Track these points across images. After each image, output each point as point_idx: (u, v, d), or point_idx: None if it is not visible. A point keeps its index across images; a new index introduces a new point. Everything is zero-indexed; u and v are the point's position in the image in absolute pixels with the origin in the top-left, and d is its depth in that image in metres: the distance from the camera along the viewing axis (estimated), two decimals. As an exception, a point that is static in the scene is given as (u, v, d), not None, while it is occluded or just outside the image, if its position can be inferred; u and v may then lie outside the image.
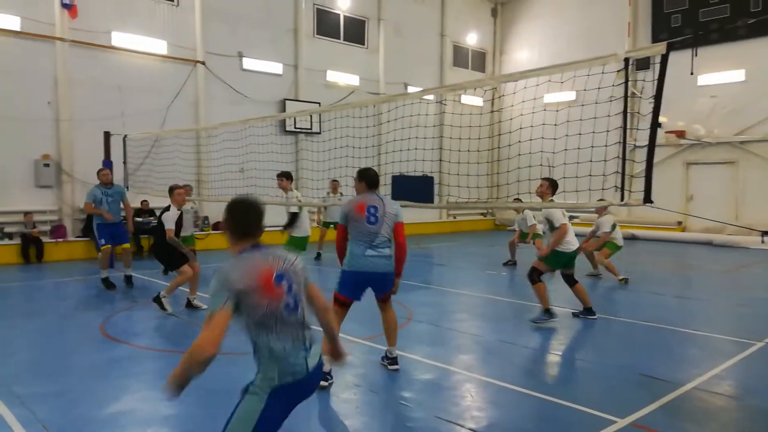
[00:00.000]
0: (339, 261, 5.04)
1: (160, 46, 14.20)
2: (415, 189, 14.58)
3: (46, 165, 12.62)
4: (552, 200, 6.55)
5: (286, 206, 9.01)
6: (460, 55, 21.91)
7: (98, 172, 9.55)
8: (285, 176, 9.20)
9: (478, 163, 7.75)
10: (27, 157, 12.47)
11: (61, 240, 12.68)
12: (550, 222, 6.71)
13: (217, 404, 4.44)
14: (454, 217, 21.52)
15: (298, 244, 8.92)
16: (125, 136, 11.95)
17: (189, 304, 7.73)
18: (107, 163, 11.54)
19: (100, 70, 13.27)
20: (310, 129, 16.92)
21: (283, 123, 16.40)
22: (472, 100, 20.75)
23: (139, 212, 13.48)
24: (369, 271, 4.85)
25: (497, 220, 22.46)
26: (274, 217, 12.82)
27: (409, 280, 10.47)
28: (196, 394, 4.64)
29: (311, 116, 16.70)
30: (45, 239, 12.43)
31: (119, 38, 13.53)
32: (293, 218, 8.98)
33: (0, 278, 10.26)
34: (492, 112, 20.39)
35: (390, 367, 5.16)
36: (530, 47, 21.91)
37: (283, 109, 16.19)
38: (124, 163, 12.03)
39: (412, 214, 14.67)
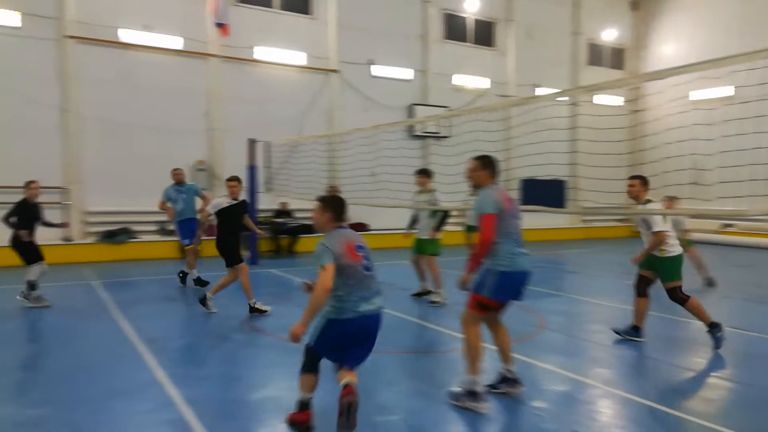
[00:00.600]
0: (475, 262, 4.34)
1: (299, 58, 15.13)
2: (546, 193, 14.08)
3: (201, 170, 13.97)
4: (649, 200, 5.99)
5: (421, 208, 8.46)
6: (595, 53, 20.83)
7: (172, 171, 9.96)
8: (423, 173, 8.67)
9: (617, 167, 7.33)
10: (185, 163, 13.87)
11: (213, 237, 13.89)
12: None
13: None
14: (587, 223, 20.49)
15: (427, 247, 8.38)
16: (267, 142, 12.87)
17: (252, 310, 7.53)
18: (252, 168, 12.50)
19: (247, 82, 14.45)
20: (438, 133, 17.03)
21: (411, 128, 16.69)
22: (608, 100, 19.66)
23: (278, 213, 14.46)
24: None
25: (635, 227, 20.95)
26: (396, 221, 13.16)
27: (539, 287, 10.15)
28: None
29: (439, 121, 16.81)
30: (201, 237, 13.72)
31: (264, 52, 14.62)
32: (443, 219, 8.38)
33: (163, 270, 11.50)
34: (633, 112, 19.11)
35: (515, 390, 4.62)
36: (677, 40, 20.22)
37: (412, 114, 16.46)
38: (266, 167, 12.96)
39: (541, 220, 14.30)
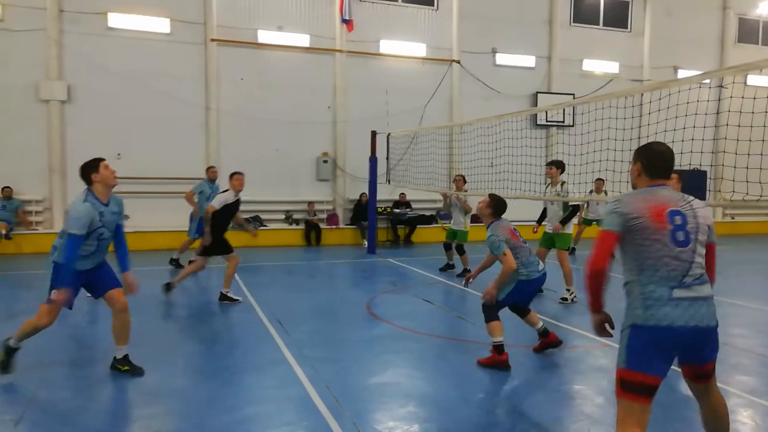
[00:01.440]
0: (590, 299, 3.01)
1: (420, 49, 15.21)
2: (684, 185, 12.94)
3: (325, 161, 14.59)
4: None
5: (552, 200, 8.17)
6: (747, 29, 18.68)
7: (208, 169, 10.35)
8: (555, 165, 8.28)
9: (772, 155, 6.53)
10: (311, 155, 14.59)
11: (334, 227, 14.54)
12: None
13: (471, 389, 4.64)
14: (732, 218, 18.57)
15: (556, 242, 8.11)
16: (388, 134, 13.12)
17: (224, 297, 7.59)
18: (373, 160, 12.82)
19: (369, 75, 14.81)
20: (563, 122, 16.30)
21: (534, 116, 16.14)
22: (763, 81, 17.55)
23: (397, 204, 14.71)
24: (682, 326, 2.75)
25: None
26: (523, 213, 12.80)
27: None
28: (452, 378, 4.92)
29: (564, 109, 16.08)
30: (322, 225, 14.41)
31: (386, 45, 14.89)
32: (573, 212, 8.06)
33: (289, 257, 12.22)
34: (790, 93, 16.95)
35: None
36: None
37: (535, 103, 15.91)
38: (387, 158, 13.21)
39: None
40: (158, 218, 13.06)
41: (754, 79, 17.42)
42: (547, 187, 8.43)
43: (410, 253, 12.99)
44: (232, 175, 7.61)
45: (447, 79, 15.54)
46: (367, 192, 13.30)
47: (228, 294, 7.63)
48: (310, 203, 14.30)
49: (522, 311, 5.56)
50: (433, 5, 15.43)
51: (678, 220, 2.81)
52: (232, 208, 7.57)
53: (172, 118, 13.30)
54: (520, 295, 5.34)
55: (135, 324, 4.95)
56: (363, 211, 13.80)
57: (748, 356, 5.60)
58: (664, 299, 2.76)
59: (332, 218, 14.74)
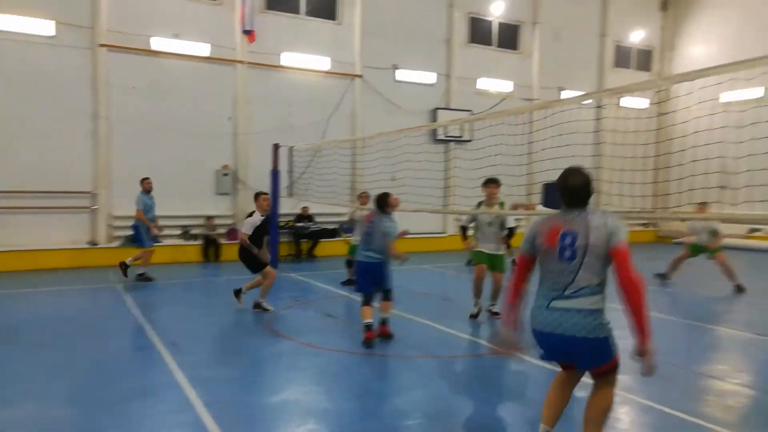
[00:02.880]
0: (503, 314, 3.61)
1: (324, 63, 15.23)
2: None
3: (225, 174, 14.16)
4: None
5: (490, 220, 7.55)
6: (622, 55, 20.50)
7: (142, 181, 10.49)
8: (496, 183, 7.58)
9: (643, 170, 7.19)
10: (210, 167, 14.10)
11: (235, 242, 14.10)
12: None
13: (370, 402, 4.64)
14: (613, 228, 20.12)
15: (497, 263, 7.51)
16: (291, 147, 12.99)
17: (257, 306, 8.05)
18: (275, 173, 12.63)
19: (272, 87, 14.60)
20: (461, 137, 16.96)
21: (434, 132, 16.65)
22: (635, 102, 19.33)
23: (299, 217, 14.56)
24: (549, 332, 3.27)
25: (661, 231, 20.56)
26: (424, 225, 13.04)
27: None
28: (351, 392, 4.91)
29: (462, 125, 16.74)
30: (222, 241, 13.93)
31: (289, 58, 14.77)
32: (511, 234, 7.88)
33: (186, 274, 11.69)
34: (659, 115, 18.75)
35: None
36: (706, 42, 19.78)
37: (435, 118, 16.43)
38: (289, 171, 13.07)
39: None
40: (44, 236, 12.08)
41: (627, 101, 19.13)
42: (479, 205, 7.69)
43: (313, 267, 12.89)
44: (257, 196, 8.21)
45: (350, 94, 15.68)
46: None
47: (263, 304, 8.05)
48: (209, 218, 13.80)
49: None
50: (336, 19, 15.54)
51: (568, 239, 3.20)
52: (262, 229, 8.19)
53: (57, 127, 12.36)
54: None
55: (2, 354, 4.50)
56: (265, 225, 13.47)
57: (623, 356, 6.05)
58: (543, 308, 3.27)
59: (233, 233, 14.30)
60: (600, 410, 3.40)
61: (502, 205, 7.60)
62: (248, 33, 13.99)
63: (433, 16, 16.77)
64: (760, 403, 4.82)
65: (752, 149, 5.83)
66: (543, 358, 3.47)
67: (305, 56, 14.96)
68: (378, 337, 6.36)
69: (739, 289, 9.64)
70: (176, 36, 13.46)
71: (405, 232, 6.96)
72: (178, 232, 13.72)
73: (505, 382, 5.29)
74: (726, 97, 15.64)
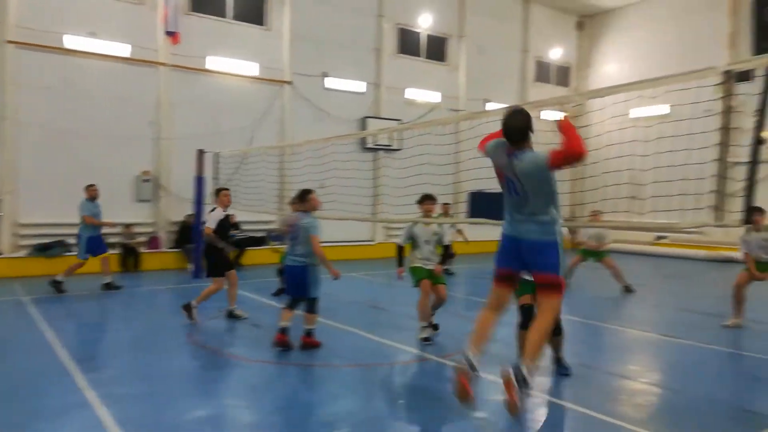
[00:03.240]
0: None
1: (252, 69, 14.96)
2: (493, 206, 14.32)
3: (146, 181, 13.56)
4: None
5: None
6: (542, 71, 21.47)
7: (87, 188, 10.31)
8: (430, 198, 7.21)
9: (561, 181, 7.49)
10: (129, 173, 13.46)
11: (156, 250, 13.54)
12: None
13: (295, 414, 4.56)
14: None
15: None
16: (217, 153, 12.62)
17: (231, 314, 7.96)
18: (199, 179, 12.24)
19: (196, 91, 14.16)
20: (390, 146, 17.13)
21: (363, 140, 16.72)
22: (554, 116, 20.22)
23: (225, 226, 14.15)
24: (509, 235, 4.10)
25: (574, 239, 21.63)
26: (352, 233, 12.98)
27: (482, 297, 10.27)
28: (275, 404, 4.80)
29: (391, 134, 16.92)
30: (142, 250, 13.32)
31: (214, 62, 14.39)
32: (448, 253, 7.59)
33: (96, 285, 11.04)
34: (577, 128, 19.74)
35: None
36: (618, 60, 21.10)
37: (364, 127, 16.51)
38: (215, 178, 12.68)
39: (490, 231, 14.47)
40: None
41: (547, 115, 20.01)
42: (415, 224, 7.25)
43: (240, 276, 12.47)
44: (218, 192, 8.30)
45: (279, 100, 15.48)
46: (193, 213, 12.63)
47: (236, 311, 7.97)
48: (128, 225, 13.14)
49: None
50: (264, 25, 15.32)
51: (510, 182, 3.96)
52: (226, 225, 8.17)
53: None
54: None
55: None
56: (189, 234, 13.05)
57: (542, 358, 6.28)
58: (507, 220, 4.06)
59: (154, 241, 13.72)
60: (540, 330, 3.79)
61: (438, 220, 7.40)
62: (171, 34, 13.53)
63: (363, 26, 16.89)
64: (668, 401, 5.13)
65: (657, 162, 6.22)
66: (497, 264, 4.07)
67: (232, 61, 14.64)
68: (301, 347, 6.25)
69: (627, 290, 10.34)
70: (92, 35, 12.80)
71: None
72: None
73: (433, 389, 5.34)
74: (635, 113, 16.70)
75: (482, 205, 13.07)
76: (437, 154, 10.63)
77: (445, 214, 12.56)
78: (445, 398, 5.03)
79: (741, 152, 4.68)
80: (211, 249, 7.95)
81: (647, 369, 6.02)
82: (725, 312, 8.18)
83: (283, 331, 6.22)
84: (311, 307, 6.44)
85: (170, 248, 13.87)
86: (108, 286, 10.29)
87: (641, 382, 5.50)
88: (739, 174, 4.65)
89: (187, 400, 4.83)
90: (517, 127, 3.87)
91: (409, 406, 4.88)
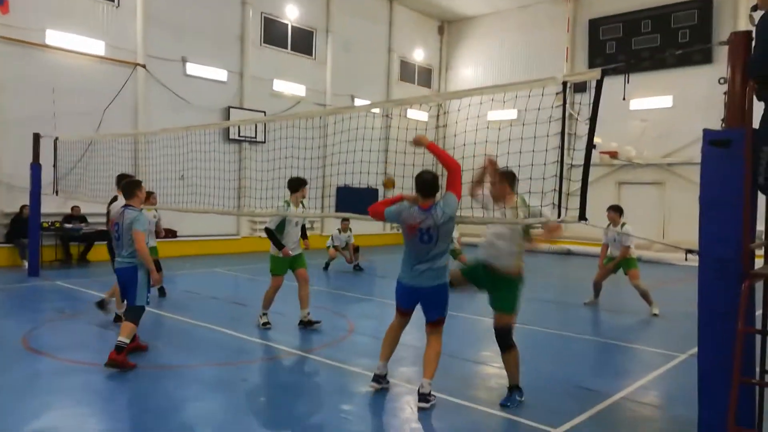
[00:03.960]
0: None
1: (97, 47, 13.67)
2: (360, 201, 14.54)
3: (-31, 166, 11.85)
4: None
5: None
6: (407, 70, 22.22)
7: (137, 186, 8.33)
8: (304, 182, 7.51)
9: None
10: (-54, 157, 11.69)
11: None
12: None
13: (150, 419, 4.28)
14: (398, 230, 21.64)
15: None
16: (56, 138, 11.39)
17: (118, 318, 6.91)
18: (36, 167, 10.98)
19: (32, 69, 12.63)
20: (255, 138, 16.68)
21: (227, 131, 16.10)
22: (418, 115, 21.06)
23: (69, 218, 12.87)
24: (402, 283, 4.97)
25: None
26: (214, 227, 12.44)
27: (350, 292, 10.46)
28: (127, 411, 4.46)
29: (256, 125, 16.48)
30: (-36, 245, 11.65)
31: (54, 36, 12.93)
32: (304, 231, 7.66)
33: None
34: (437, 127, 20.75)
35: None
36: (475, 65, 22.50)
37: (227, 117, 15.90)
38: (54, 166, 11.43)
39: (356, 226, 14.69)
40: None
41: (412, 114, 20.79)
42: (288, 205, 7.31)
43: (86, 273, 11.48)
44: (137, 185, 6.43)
45: (131, 84, 14.33)
46: (28, 204, 11.29)
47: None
48: (-55, 218, 11.42)
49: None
50: (113, 1, 14.07)
51: (424, 230, 4.66)
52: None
53: None
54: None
55: None
56: (23, 227, 11.64)
57: (407, 350, 6.53)
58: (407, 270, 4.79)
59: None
60: (435, 353, 4.77)
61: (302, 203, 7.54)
62: (1, 3, 11.93)
63: (226, 12, 16.22)
64: (524, 385, 5.58)
65: (507, 162, 6.71)
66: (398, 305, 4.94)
67: (75, 37, 13.27)
68: (106, 365, 5.29)
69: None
70: None
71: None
72: None
73: (296, 384, 5.30)
74: (491, 115, 17.94)
75: (350, 200, 13.27)
76: (304, 147, 10.55)
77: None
78: (309, 392, 5.03)
79: (577, 155, 5.22)
80: None
81: (497, 354, 6.51)
82: (567, 300, 9.09)
83: (117, 348, 5.35)
84: (131, 316, 5.51)
85: (1, 243, 12.29)
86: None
87: (493, 367, 5.94)
88: (576, 175, 5.19)
89: (21, 412, 4.31)
90: (430, 181, 4.71)
91: (271, 402, 4.80)
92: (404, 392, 5.02)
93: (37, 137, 11.14)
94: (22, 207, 11.95)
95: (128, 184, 5.85)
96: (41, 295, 8.79)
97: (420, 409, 4.52)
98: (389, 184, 6.08)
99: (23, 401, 4.57)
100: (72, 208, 12.84)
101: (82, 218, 12.97)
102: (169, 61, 14.99)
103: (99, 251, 13.17)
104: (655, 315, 8.65)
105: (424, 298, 4.78)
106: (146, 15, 14.42)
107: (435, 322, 4.82)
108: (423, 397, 4.59)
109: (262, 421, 4.41)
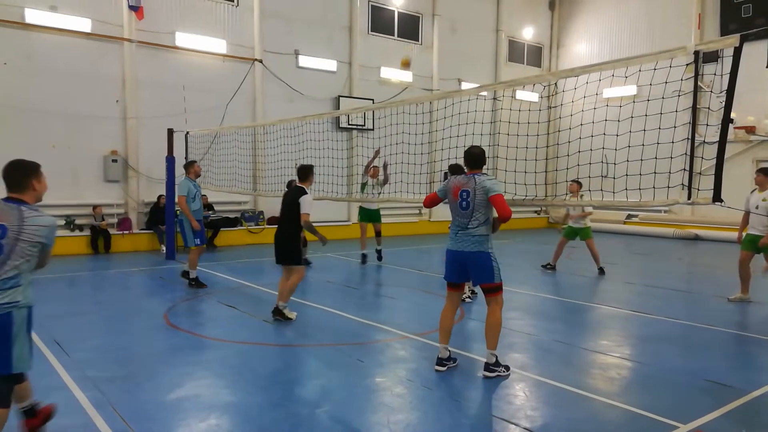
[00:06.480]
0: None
1: (220, 46, 14.64)
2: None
3: (114, 161, 13.25)
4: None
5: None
6: (515, 50, 21.53)
7: (191, 164, 9.13)
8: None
9: (535, 160, 7.59)
10: (96, 153, 13.13)
11: (127, 232, 13.30)
12: None
13: (276, 393, 4.58)
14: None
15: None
16: (187, 132, 12.39)
17: (278, 312, 6.79)
18: (170, 159, 12.00)
19: (164, 69, 13.82)
20: (364, 125, 17.04)
21: (337, 119, 16.60)
22: (528, 96, 20.36)
23: (199, 206, 13.96)
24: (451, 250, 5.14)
25: (551, 218, 22.02)
26: (328, 214, 12.83)
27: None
28: (256, 384, 4.81)
29: (365, 113, 16.81)
30: (112, 231, 13.07)
31: (182, 38, 14.03)
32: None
33: (71, 268, 10.84)
34: (549, 108, 19.93)
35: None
36: (589, 41, 21.29)
37: (338, 106, 16.37)
38: (186, 158, 12.45)
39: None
40: None
41: (521, 95, 20.13)
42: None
43: (214, 257, 12.43)
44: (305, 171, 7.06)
45: (249, 78, 15.21)
46: (164, 194, 12.41)
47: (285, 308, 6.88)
48: (96, 207, 12.85)
49: None
50: (233, 1, 14.96)
51: (464, 195, 4.97)
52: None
53: None
54: None
55: None
56: (160, 215, 12.84)
57: (520, 336, 6.42)
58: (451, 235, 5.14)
59: (124, 223, 13.45)
60: (490, 324, 4.97)
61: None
62: (135, 9, 13.13)
63: (335, 3, 16.65)
64: (638, 373, 5.31)
65: (629, 142, 6.32)
66: (446, 276, 5.21)
67: (200, 38, 14.30)
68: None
69: (601, 272, 10.47)
70: (53, 9, 12.34)
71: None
72: (62, 222, 12.68)
73: (411, 365, 5.41)
74: (608, 93, 16.92)
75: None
76: (411, 133, 10.62)
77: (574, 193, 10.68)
78: (421, 375, 5.10)
79: (710, 131, 4.79)
80: (292, 236, 6.81)
81: (618, 344, 6.20)
82: (693, 288, 8.44)
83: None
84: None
85: (142, 229, 13.64)
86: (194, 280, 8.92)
87: (613, 356, 5.67)
88: (708, 153, 4.78)
89: (163, 381, 4.80)
90: (475, 154, 5.12)
91: (383, 384, 4.93)
92: (518, 379, 4.95)
93: (170, 132, 12.17)
94: (159, 197, 13.18)
95: (301, 169, 6.86)
96: (178, 276, 9.66)
97: (484, 378, 4.88)
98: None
99: (164, 372, 5.08)
100: (201, 197, 13.91)
101: (210, 206, 14.02)
102: (282, 54, 15.69)
103: (225, 236, 14.21)
104: None
105: (467, 264, 5.00)
106: (262, 12, 15.18)
107: (488, 291, 5.01)
108: (487, 366, 4.94)
109: (376, 400, 4.55)
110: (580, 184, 10.13)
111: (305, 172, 6.97)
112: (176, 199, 7.96)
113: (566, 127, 8.53)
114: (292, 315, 6.85)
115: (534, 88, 20.43)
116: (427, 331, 6.30)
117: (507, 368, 5.02)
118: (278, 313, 6.76)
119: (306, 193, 6.79)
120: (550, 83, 19.74)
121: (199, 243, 8.86)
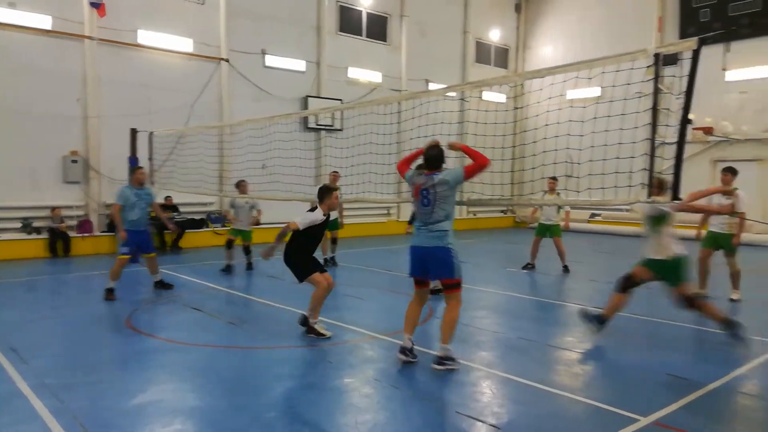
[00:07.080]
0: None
1: (185, 44, 14.39)
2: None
3: (74, 161, 12.89)
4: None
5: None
6: (482, 52, 21.76)
7: (134, 171, 8.92)
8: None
9: (502, 160, 7.67)
10: (55, 153, 12.75)
11: (87, 235, 12.95)
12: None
13: (243, 396, 4.51)
14: (474, 215, 21.40)
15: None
16: (151, 132, 12.13)
17: (305, 323, 6.25)
18: (133, 160, 11.73)
19: (127, 67, 13.51)
20: (332, 126, 16.98)
21: (305, 120, 16.49)
22: (494, 96, 20.61)
23: (163, 208, 13.68)
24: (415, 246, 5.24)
25: (517, 217, 22.32)
26: (288, 214, 12.83)
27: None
28: (221, 387, 4.73)
29: (333, 113, 16.75)
30: (72, 234, 12.70)
31: (146, 36, 13.74)
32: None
33: (29, 272, 10.50)
34: (515, 109, 20.21)
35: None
36: (554, 43, 21.67)
37: (306, 106, 16.27)
38: (150, 159, 12.19)
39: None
40: None
41: (488, 96, 20.36)
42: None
43: (178, 259, 12.21)
44: (330, 191, 6.22)
45: (216, 78, 14.99)
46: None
47: (316, 324, 6.22)
48: (55, 209, 12.48)
49: None
50: (198, -1, 14.73)
51: (424, 193, 5.08)
52: (320, 230, 6.36)
53: None
54: None
55: None
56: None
57: (486, 334, 6.48)
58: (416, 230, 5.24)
59: (85, 225, 13.10)
60: (447, 320, 5.05)
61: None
62: (97, 6, 12.81)
63: (303, 2, 16.55)
64: (601, 369, 5.41)
65: (591, 142, 6.44)
66: (411, 272, 5.28)
67: (165, 36, 14.03)
68: None
69: (566, 270, 10.65)
70: (12, 5, 11.94)
71: None
72: (18, 225, 12.28)
73: (379, 365, 5.40)
74: (571, 94, 17.25)
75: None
76: (380, 134, 10.61)
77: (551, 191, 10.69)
78: (389, 375, 5.10)
79: (669, 132, 4.92)
80: (293, 253, 6.29)
81: (581, 340, 6.31)
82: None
83: None
84: None
85: (103, 232, 13.30)
86: (161, 284, 8.81)
87: (577, 352, 5.77)
88: (668, 153, 4.90)
89: (125, 387, 4.68)
90: (433, 156, 5.15)
91: (353, 385, 4.91)
92: (484, 376, 4.99)
93: (134, 132, 11.90)
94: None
95: (321, 189, 6.25)
96: (140, 279, 9.44)
97: (434, 370, 4.98)
98: None
99: (128, 376, 4.95)
100: (165, 198, 13.65)
101: (175, 208, 13.76)
102: (250, 54, 15.52)
103: (191, 238, 13.96)
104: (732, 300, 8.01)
105: (428, 259, 5.07)
106: (229, 10, 14.99)
107: (446, 287, 5.11)
108: (439, 360, 5.01)
109: (345, 401, 4.52)
110: (556, 180, 10.03)
111: (319, 195, 6.29)
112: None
113: (532, 127, 8.65)
114: (327, 333, 6.14)
115: (501, 89, 20.70)
116: (395, 331, 6.30)
117: (455, 360, 5.08)
118: (310, 330, 6.16)
119: (313, 210, 6.21)
120: (516, 84, 20.02)
121: (125, 252, 8.22)
